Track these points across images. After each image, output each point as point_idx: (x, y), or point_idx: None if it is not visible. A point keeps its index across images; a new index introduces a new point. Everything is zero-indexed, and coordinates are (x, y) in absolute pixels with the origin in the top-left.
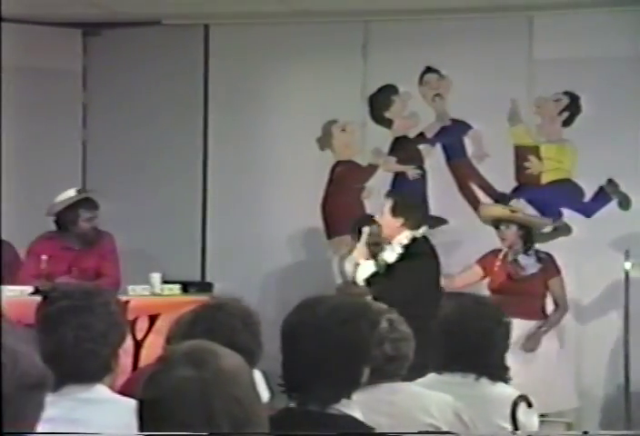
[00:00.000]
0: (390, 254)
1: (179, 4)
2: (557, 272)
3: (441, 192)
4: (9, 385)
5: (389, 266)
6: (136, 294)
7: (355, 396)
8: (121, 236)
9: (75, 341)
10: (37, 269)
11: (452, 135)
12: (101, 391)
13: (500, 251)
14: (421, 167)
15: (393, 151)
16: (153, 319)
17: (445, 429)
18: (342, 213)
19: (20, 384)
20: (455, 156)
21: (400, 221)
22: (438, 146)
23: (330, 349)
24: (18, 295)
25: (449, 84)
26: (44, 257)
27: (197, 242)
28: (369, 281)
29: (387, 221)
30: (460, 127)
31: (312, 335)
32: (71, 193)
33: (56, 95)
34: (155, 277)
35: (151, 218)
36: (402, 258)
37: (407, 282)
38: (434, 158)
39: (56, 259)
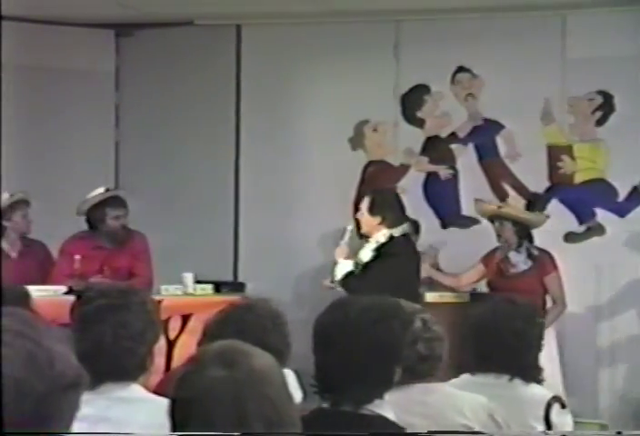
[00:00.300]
0: (366, 253)
1: (211, 5)
2: (553, 269)
3: (473, 192)
4: (45, 385)
5: (365, 265)
6: (169, 294)
7: (388, 396)
8: (154, 236)
9: (114, 339)
10: (70, 269)
11: (484, 135)
12: (136, 390)
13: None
14: (453, 167)
15: (425, 151)
16: (185, 319)
17: (479, 429)
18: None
19: (56, 384)
20: (488, 156)
21: (378, 219)
22: (470, 146)
23: (362, 349)
24: (52, 295)
25: (481, 84)
26: (77, 257)
27: (230, 242)
28: (344, 280)
29: (366, 219)
30: (492, 127)
31: (344, 336)
32: (99, 191)
33: (89, 96)
34: (188, 277)
35: (184, 218)
36: (377, 257)
37: (380, 282)
38: (466, 158)
39: (88, 258)
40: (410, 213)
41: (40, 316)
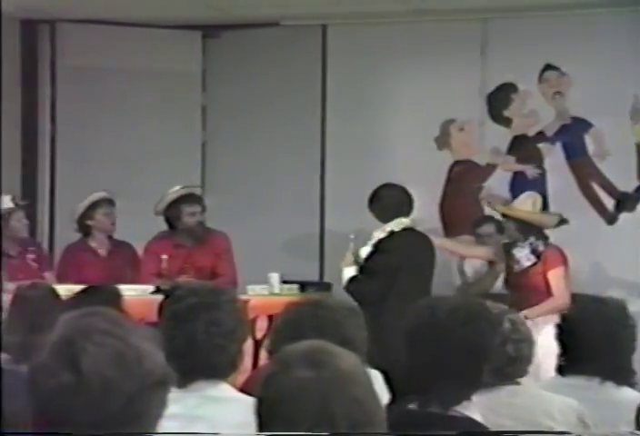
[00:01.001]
0: (365, 250)
1: (297, 5)
2: (559, 264)
3: (561, 191)
4: (133, 383)
5: (365, 263)
6: (255, 294)
7: (477, 398)
8: (240, 236)
9: (206, 336)
10: (157, 268)
11: (572, 134)
12: (226, 389)
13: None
14: (540, 166)
15: (512, 150)
16: (272, 319)
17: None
18: (460, 213)
19: (144, 383)
20: (576, 155)
21: (374, 214)
22: (558, 145)
23: (451, 350)
24: (140, 294)
25: (569, 82)
26: (164, 256)
27: (315, 242)
28: (347, 286)
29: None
30: (581, 125)
31: (432, 336)
32: (174, 189)
33: (176, 97)
34: (274, 277)
35: (269, 218)
36: (374, 253)
37: (376, 279)
38: (553, 157)
39: (171, 257)
40: (495, 212)
41: (129, 315)
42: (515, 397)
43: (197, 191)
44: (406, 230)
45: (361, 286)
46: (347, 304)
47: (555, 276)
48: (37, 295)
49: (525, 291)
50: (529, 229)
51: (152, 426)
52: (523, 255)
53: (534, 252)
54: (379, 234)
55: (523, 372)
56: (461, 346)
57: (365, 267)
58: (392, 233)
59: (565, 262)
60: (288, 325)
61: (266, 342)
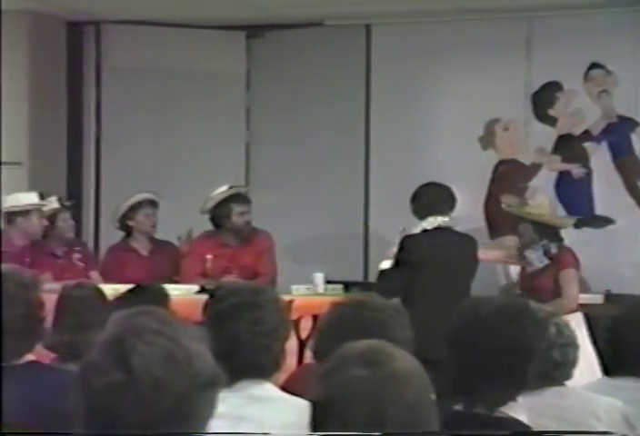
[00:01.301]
0: (392, 249)
1: (341, 5)
2: (569, 265)
3: (607, 191)
4: (183, 384)
5: (394, 259)
6: (300, 294)
7: (522, 399)
8: (283, 236)
9: (250, 336)
10: (201, 267)
11: (619, 133)
12: (270, 388)
13: None
14: (586, 166)
15: (557, 149)
16: (316, 319)
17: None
18: (505, 213)
19: (194, 383)
20: (622, 154)
21: (412, 212)
22: (604, 144)
23: (496, 350)
24: (185, 294)
25: (616, 80)
26: (208, 256)
27: (360, 243)
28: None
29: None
30: (627, 124)
31: (477, 337)
32: (222, 189)
33: (220, 98)
34: (319, 277)
35: (313, 218)
36: (400, 249)
37: (397, 275)
38: (599, 156)
39: (216, 257)
40: None
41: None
42: (560, 398)
43: (244, 191)
44: (440, 228)
45: (382, 280)
46: (392, 304)
47: (564, 277)
48: (83, 295)
49: (536, 292)
50: (545, 231)
51: (201, 427)
52: (535, 257)
53: (546, 253)
54: (413, 230)
55: (568, 376)
56: (506, 346)
57: (395, 263)
58: (424, 231)
59: (576, 264)
60: (333, 326)
61: (311, 343)
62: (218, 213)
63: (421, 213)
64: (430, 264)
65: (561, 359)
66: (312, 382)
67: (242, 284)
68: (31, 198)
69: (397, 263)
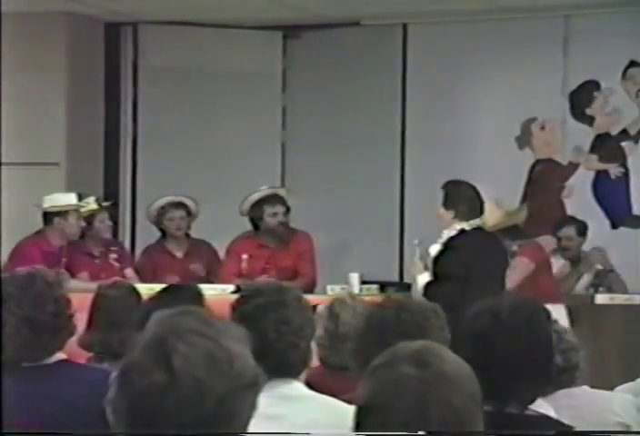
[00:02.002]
0: (434, 247)
1: (377, 5)
2: (522, 254)
3: None
4: (225, 384)
5: (435, 263)
6: (335, 294)
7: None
8: (320, 235)
9: (277, 335)
10: (238, 268)
11: None
12: (299, 387)
13: None
14: (623, 165)
15: (594, 148)
16: None
17: (634, 426)
18: (542, 212)
19: (235, 384)
20: None
21: (451, 213)
22: None
23: (519, 348)
24: (220, 294)
25: None
26: (244, 256)
27: (395, 243)
28: (425, 292)
29: (440, 214)
30: None
31: (499, 337)
32: (259, 189)
33: (257, 98)
34: (354, 277)
35: (349, 218)
36: (445, 251)
37: (450, 280)
38: (637, 156)
39: (253, 257)
40: (578, 212)
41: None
42: (572, 399)
43: (282, 191)
44: (476, 229)
45: (438, 291)
46: (429, 305)
47: (512, 264)
48: (118, 294)
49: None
50: (505, 232)
51: (242, 427)
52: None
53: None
54: (449, 233)
55: (574, 380)
56: (528, 343)
57: (436, 268)
58: (462, 232)
59: (533, 254)
60: (371, 329)
61: (350, 346)
62: (253, 215)
63: (473, 215)
64: (479, 264)
65: (564, 364)
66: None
67: (264, 284)
68: (69, 199)
69: (441, 267)
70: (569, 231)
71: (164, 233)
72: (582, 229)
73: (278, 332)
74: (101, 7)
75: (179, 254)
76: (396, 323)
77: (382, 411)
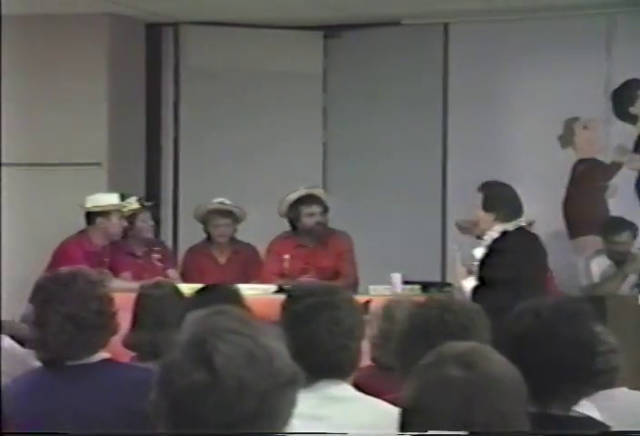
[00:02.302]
0: (478, 251)
1: (418, 4)
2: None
3: None
4: (264, 383)
5: (482, 266)
6: (377, 294)
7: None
8: (362, 235)
9: (328, 336)
10: (279, 268)
11: None
12: (348, 388)
13: None
14: None
15: (637, 148)
16: None
17: None
18: (585, 212)
19: (275, 382)
20: None
21: (492, 215)
22: None
23: (561, 348)
24: (262, 294)
25: None
26: (286, 256)
27: (437, 243)
28: (474, 296)
29: (480, 216)
30: None
31: (541, 337)
32: (297, 190)
33: (297, 98)
34: (396, 277)
35: (391, 218)
36: (489, 254)
37: (500, 284)
38: None
39: (293, 257)
40: (621, 212)
41: (253, 314)
42: (611, 401)
43: (319, 192)
44: (518, 229)
45: (488, 295)
46: (472, 306)
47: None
48: (162, 294)
49: None
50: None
51: (282, 426)
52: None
53: None
54: (493, 234)
55: (613, 381)
56: (569, 343)
57: (483, 272)
58: (505, 233)
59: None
60: (415, 330)
61: (394, 346)
62: (291, 216)
63: (514, 216)
64: (525, 265)
65: (604, 366)
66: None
67: (316, 284)
68: (112, 199)
69: (489, 270)
70: (625, 235)
71: (209, 236)
72: (635, 232)
73: (329, 333)
74: (142, 8)
75: (222, 260)
76: (440, 324)
77: (427, 412)
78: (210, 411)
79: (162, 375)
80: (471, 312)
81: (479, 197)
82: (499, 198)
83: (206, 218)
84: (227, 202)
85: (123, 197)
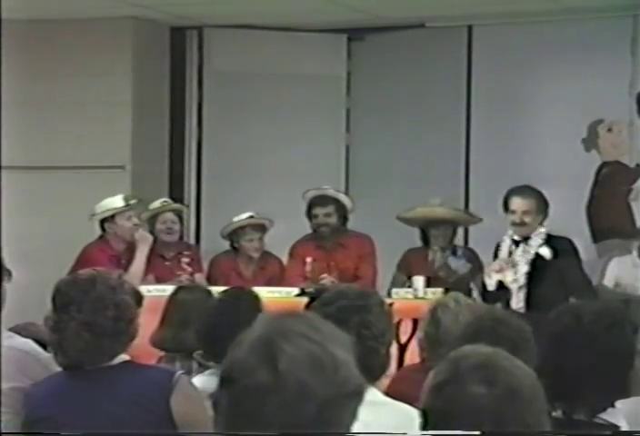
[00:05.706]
0: (544, 250)
1: (442, 7)
2: (481, 267)
3: None
4: (328, 390)
5: (552, 265)
6: (400, 297)
7: (620, 405)
8: (383, 238)
9: (358, 339)
10: (302, 270)
11: None
12: (375, 393)
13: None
14: None
15: None
16: (416, 322)
17: None
18: (609, 215)
19: (339, 390)
20: None
21: (541, 217)
22: None
23: (596, 355)
24: (284, 296)
25: None
26: (308, 259)
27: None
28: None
29: (533, 219)
30: None
31: (577, 342)
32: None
33: (321, 100)
34: (419, 280)
35: None
36: (559, 254)
37: (582, 282)
38: None
39: (314, 260)
40: None
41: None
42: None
43: (331, 192)
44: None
45: (550, 288)
46: (524, 325)
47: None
48: (195, 296)
49: None
50: (455, 234)
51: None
52: (460, 264)
53: (469, 260)
54: (540, 236)
55: None
56: (606, 352)
57: (559, 272)
58: (549, 235)
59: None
60: (465, 338)
61: (444, 351)
62: (309, 217)
63: (545, 219)
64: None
65: (637, 378)
66: (418, 384)
67: (347, 287)
68: (114, 202)
69: (572, 273)
70: None
71: (234, 248)
72: None
73: (359, 337)
74: (166, 12)
75: (247, 274)
76: (491, 336)
77: (456, 428)
78: (270, 411)
79: (225, 372)
80: (526, 331)
81: (531, 202)
82: (545, 201)
83: (236, 232)
84: (255, 215)
85: (127, 199)
